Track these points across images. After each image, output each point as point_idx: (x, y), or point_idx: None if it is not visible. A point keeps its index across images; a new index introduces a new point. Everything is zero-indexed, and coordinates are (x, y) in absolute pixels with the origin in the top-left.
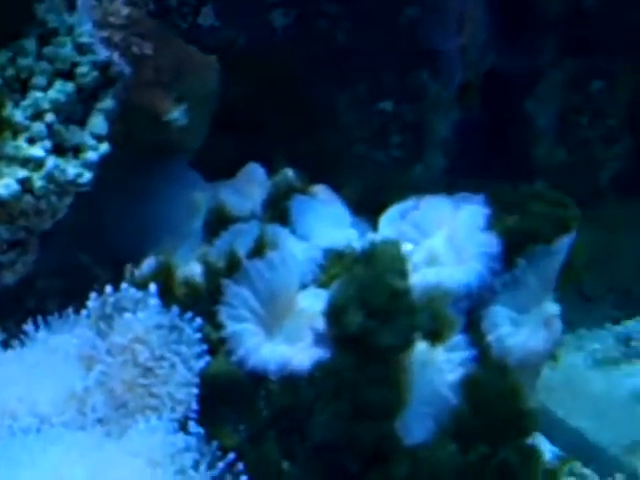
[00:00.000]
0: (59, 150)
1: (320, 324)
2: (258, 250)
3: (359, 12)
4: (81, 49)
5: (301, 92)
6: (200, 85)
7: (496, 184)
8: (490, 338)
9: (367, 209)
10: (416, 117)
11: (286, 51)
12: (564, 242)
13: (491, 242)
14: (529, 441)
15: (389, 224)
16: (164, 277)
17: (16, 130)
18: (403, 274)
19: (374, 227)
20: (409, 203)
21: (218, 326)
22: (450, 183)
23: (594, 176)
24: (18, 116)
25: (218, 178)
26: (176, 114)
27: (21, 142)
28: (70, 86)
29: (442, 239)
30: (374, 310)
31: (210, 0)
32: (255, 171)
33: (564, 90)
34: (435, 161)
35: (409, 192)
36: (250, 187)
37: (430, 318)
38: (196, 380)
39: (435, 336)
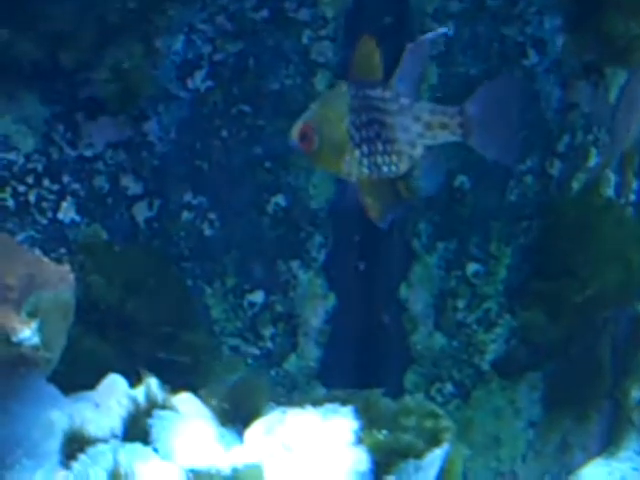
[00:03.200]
0: None
1: None
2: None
3: (225, 203)
4: None
5: (169, 288)
6: (54, 298)
7: (367, 392)
8: None
9: (235, 415)
10: (288, 308)
11: (151, 245)
12: (436, 455)
13: (360, 458)
14: None
15: (255, 440)
16: None
17: None
18: None
19: (241, 437)
20: (276, 416)
21: None
22: (325, 374)
23: (475, 360)
24: None
25: (81, 383)
26: (27, 333)
27: None
28: None
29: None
30: None
31: (69, 194)
32: (116, 383)
33: (439, 274)
34: (309, 352)
35: (280, 394)
36: (111, 401)
37: None
38: None
39: None
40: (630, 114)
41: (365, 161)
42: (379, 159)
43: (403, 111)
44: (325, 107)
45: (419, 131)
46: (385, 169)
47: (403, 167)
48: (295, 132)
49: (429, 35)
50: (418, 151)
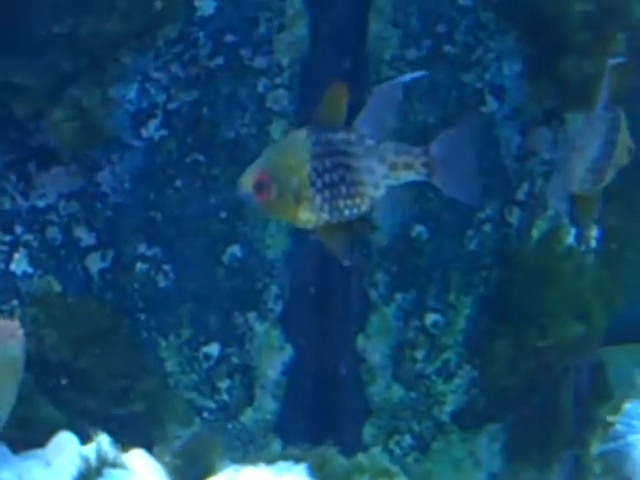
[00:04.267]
0: None
1: None
2: None
3: (180, 254)
4: None
5: (122, 341)
6: (2, 355)
7: (322, 449)
8: None
9: (189, 473)
10: (244, 360)
11: (104, 297)
12: None
13: None
14: None
15: None
16: None
17: None
18: None
19: None
20: (229, 474)
21: None
22: (282, 427)
23: (435, 412)
24: None
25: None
26: None
27: None
28: None
29: None
30: None
31: (22, 245)
32: (67, 441)
33: (397, 325)
34: (266, 405)
35: (236, 448)
36: (61, 459)
37: None
38: None
39: None
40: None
41: (326, 207)
42: (341, 203)
43: (368, 153)
44: (283, 154)
45: (384, 172)
46: (347, 212)
47: (364, 208)
48: (248, 182)
49: (399, 79)
50: (381, 192)
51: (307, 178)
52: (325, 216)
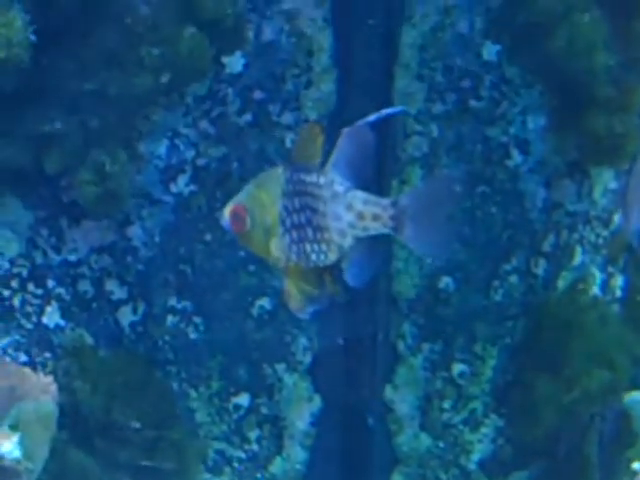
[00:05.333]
0: None
1: None
2: None
3: (209, 307)
4: None
5: (153, 393)
6: (36, 410)
7: None
8: None
9: None
10: (273, 410)
11: (135, 350)
12: None
13: None
14: None
15: None
16: None
17: None
18: None
19: None
20: None
21: None
22: (311, 477)
23: (462, 460)
24: None
25: None
26: (9, 447)
27: None
28: None
29: None
30: None
31: (54, 299)
32: None
33: (425, 375)
34: (295, 455)
35: None
36: None
37: None
38: None
39: None
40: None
41: (294, 247)
42: (308, 247)
43: (336, 198)
44: (259, 188)
45: (350, 220)
46: (313, 257)
47: (332, 256)
48: (227, 212)
49: (369, 118)
50: (348, 241)
51: (277, 215)
52: (293, 257)
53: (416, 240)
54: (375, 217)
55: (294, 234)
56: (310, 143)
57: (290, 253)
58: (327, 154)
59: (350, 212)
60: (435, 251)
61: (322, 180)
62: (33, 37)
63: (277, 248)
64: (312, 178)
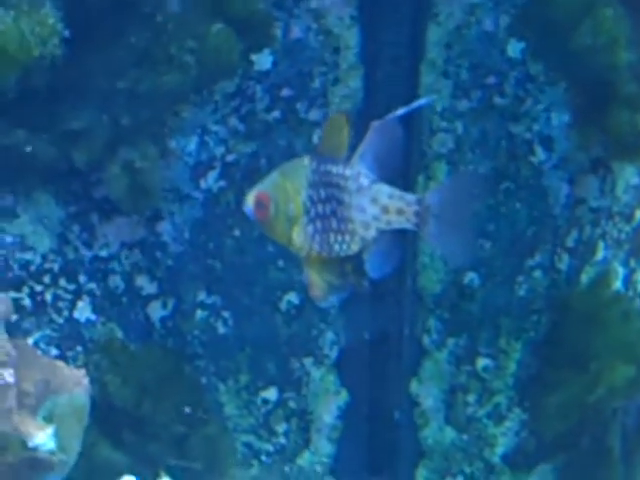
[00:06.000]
0: None
1: None
2: None
3: (238, 301)
4: None
5: (183, 387)
6: (69, 402)
7: None
8: None
9: None
10: (301, 404)
11: (165, 344)
12: None
13: None
14: None
15: None
16: None
17: None
18: None
19: None
20: None
21: None
22: (338, 470)
23: (486, 454)
24: None
25: None
26: (43, 438)
27: None
28: None
29: None
30: None
31: (85, 293)
32: None
33: (450, 369)
34: (322, 448)
35: None
36: None
37: None
38: None
39: None
40: None
41: (317, 237)
42: (331, 237)
43: (361, 191)
44: (284, 177)
45: (375, 213)
46: (336, 247)
47: (354, 248)
48: (250, 199)
49: (398, 112)
50: (371, 233)
51: (302, 205)
52: (316, 247)
53: (438, 240)
54: (399, 212)
55: (318, 224)
56: (336, 133)
57: (313, 243)
58: (354, 147)
59: (375, 205)
60: (456, 254)
61: (348, 172)
62: (67, 33)
63: (300, 237)
64: (338, 169)
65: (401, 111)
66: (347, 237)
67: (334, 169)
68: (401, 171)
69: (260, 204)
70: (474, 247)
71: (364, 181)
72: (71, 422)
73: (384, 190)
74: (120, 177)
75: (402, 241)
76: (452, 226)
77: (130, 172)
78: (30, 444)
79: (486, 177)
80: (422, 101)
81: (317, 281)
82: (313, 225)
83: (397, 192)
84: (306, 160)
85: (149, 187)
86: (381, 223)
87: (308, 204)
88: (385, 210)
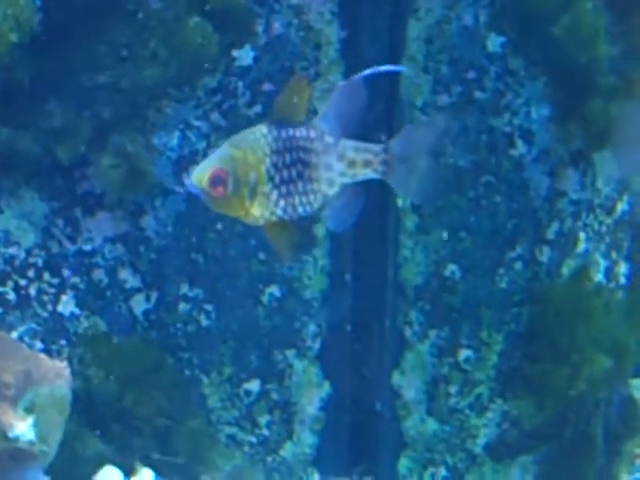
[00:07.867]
0: None
1: None
2: None
3: (221, 294)
4: None
5: (166, 379)
6: (50, 394)
7: None
8: None
9: None
10: (284, 396)
11: (148, 337)
12: None
13: None
14: None
15: None
16: None
17: None
18: None
19: None
20: None
21: None
22: (321, 461)
23: (468, 445)
24: None
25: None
26: (24, 429)
27: None
28: None
29: None
30: None
31: (69, 287)
32: (112, 475)
33: (431, 361)
34: (305, 439)
35: None
36: None
37: None
38: None
39: None
40: None
41: (281, 203)
42: (296, 199)
43: (327, 149)
44: (239, 150)
45: (341, 169)
46: (300, 209)
47: (317, 206)
48: (204, 177)
49: (364, 72)
50: (335, 189)
51: (265, 174)
52: (279, 212)
53: (403, 186)
54: (366, 164)
55: (283, 189)
56: (297, 96)
57: (276, 209)
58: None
59: (341, 161)
60: (421, 196)
61: (312, 134)
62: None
63: (262, 207)
64: (302, 132)
65: (367, 72)
66: (311, 197)
67: (297, 133)
68: (362, 129)
69: (217, 180)
70: (440, 187)
71: (329, 139)
72: (52, 413)
73: (349, 145)
74: (114, 165)
75: (363, 192)
76: (417, 171)
77: (124, 157)
78: (10, 435)
79: (445, 120)
80: (391, 67)
81: (282, 244)
82: (278, 191)
83: (362, 145)
84: (264, 128)
85: (143, 168)
86: (346, 178)
87: (272, 171)
88: (352, 164)
